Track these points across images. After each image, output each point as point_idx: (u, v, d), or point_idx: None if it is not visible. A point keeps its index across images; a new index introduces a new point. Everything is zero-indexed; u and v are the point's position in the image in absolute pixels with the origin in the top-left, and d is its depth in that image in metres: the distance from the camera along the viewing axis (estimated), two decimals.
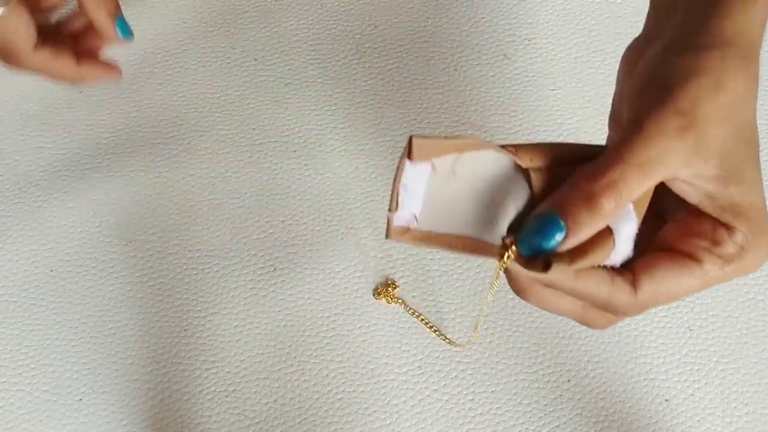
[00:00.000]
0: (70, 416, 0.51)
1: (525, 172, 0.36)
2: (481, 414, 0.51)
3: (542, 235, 0.35)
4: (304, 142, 0.61)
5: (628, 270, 0.37)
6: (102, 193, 0.59)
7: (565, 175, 0.35)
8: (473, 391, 0.51)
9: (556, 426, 0.50)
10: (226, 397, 0.51)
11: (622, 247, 0.36)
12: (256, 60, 0.65)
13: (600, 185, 0.34)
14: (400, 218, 0.35)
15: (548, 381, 0.52)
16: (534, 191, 0.36)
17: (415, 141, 0.34)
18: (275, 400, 0.51)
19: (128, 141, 0.61)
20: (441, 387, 0.51)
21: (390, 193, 0.35)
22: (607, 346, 0.53)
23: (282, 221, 0.57)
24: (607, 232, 0.36)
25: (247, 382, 0.52)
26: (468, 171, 0.35)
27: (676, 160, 0.34)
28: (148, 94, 0.63)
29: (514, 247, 0.35)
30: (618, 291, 0.36)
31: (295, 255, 0.56)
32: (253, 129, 0.61)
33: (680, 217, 0.37)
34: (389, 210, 0.35)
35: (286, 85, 0.64)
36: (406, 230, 0.35)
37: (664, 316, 0.54)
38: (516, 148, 0.36)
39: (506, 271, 0.36)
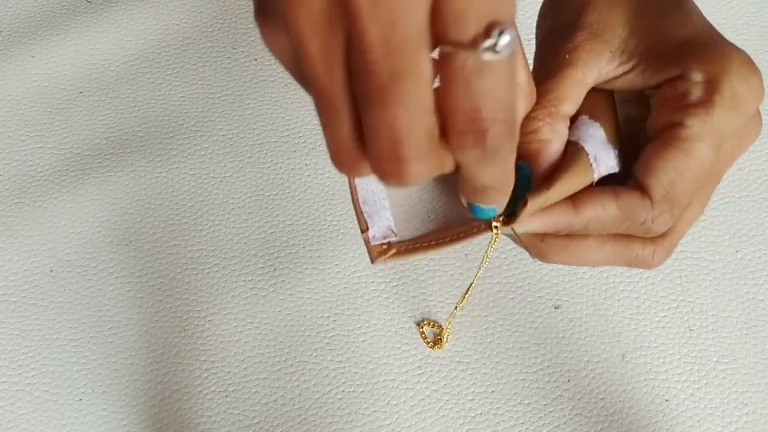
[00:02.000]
0: (70, 416, 0.51)
1: None
2: (481, 414, 0.51)
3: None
4: (304, 142, 0.61)
5: (629, 180, 0.34)
6: (102, 193, 0.59)
7: None
8: (473, 391, 0.51)
9: (556, 426, 0.50)
10: (226, 397, 0.51)
11: (601, 155, 0.34)
12: (256, 60, 0.65)
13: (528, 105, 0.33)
14: (377, 236, 0.34)
15: (548, 381, 0.52)
16: None
17: None
18: (275, 400, 0.51)
19: (128, 141, 0.61)
20: (441, 387, 0.51)
21: (355, 217, 0.33)
22: (607, 346, 0.53)
23: (282, 221, 0.57)
24: (573, 148, 0.34)
25: (247, 382, 0.52)
26: None
27: (584, 59, 0.34)
28: (148, 94, 0.63)
29: (496, 223, 0.33)
30: (626, 200, 0.34)
31: (295, 255, 0.56)
32: (253, 129, 0.61)
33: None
34: (362, 232, 0.33)
35: (286, 85, 0.64)
36: (388, 247, 0.34)
37: (664, 316, 0.54)
38: None
39: (522, 242, 0.34)
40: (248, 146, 0.61)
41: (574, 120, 0.35)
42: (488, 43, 0.25)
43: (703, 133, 0.33)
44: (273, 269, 0.55)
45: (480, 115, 0.25)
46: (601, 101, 0.36)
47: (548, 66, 0.35)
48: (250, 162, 0.60)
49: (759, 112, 0.36)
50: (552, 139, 0.34)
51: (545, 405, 0.51)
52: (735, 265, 0.56)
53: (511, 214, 0.33)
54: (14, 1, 0.69)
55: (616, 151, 0.35)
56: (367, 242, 0.33)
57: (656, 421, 0.50)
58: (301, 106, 0.62)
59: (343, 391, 0.51)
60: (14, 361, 0.53)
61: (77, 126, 0.62)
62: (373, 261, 0.34)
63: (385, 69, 0.23)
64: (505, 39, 0.26)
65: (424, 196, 0.34)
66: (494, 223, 0.33)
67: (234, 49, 0.65)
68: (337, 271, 0.55)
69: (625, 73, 0.35)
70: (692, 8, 0.36)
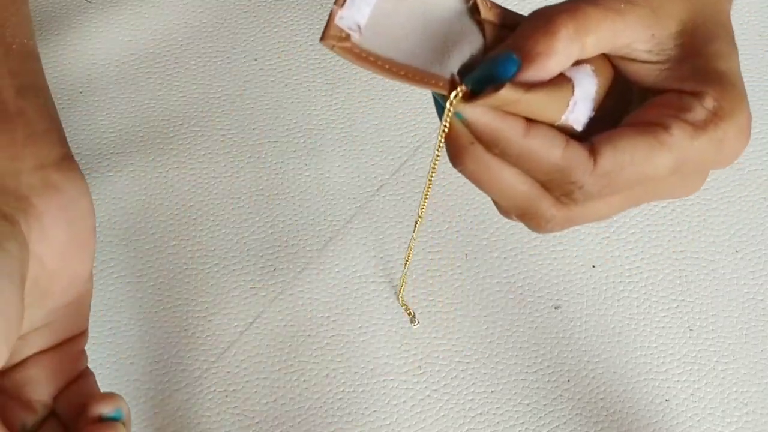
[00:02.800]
0: None
1: (479, 23, 0.34)
2: (481, 414, 0.51)
3: (494, 69, 0.32)
4: (304, 142, 0.61)
5: (587, 141, 0.34)
6: (102, 193, 0.59)
7: None
8: (473, 391, 0.51)
9: (556, 426, 0.50)
10: (226, 397, 0.51)
11: (581, 105, 0.34)
12: (256, 60, 0.65)
13: (557, 9, 0.33)
14: (344, 20, 0.32)
15: (548, 381, 0.52)
16: (487, 42, 0.34)
17: None
18: (275, 400, 0.51)
19: (128, 141, 0.61)
20: (441, 387, 0.51)
21: None
22: (607, 346, 0.53)
23: (282, 221, 0.57)
24: (565, 79, 0.33)
25: (247, 382, 0.52)
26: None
27: (632, 20, 0.33)
28: (148, 94, 0.63)
29: (462, 87, 0.31)
30: (573, 153, 0.33)
31: (295, 255, 0.56)
32: (253, 129, 0.61)
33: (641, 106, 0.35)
34: (335, 3, 0.31)
35: (286, 85, 0.64)
36: (346, 38, 0.32)
37: (664, 316, 0.54)
38: None
39: (452, 132, 0.33)
40: (248, 146, 0.61)
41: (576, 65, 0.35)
42: None
43: (677, 146, 0.33)
44: (273, 269, 0.55)
45: None
46: (606, 69, 0.35)
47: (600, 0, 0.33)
48: (250, 162, 0.60)
49: (704, 181, 0.36)
50: (557, 55, 0.32)
51: (545, 405, 0.51)
52: (735, 265, 0.56)
53: (475, 92, 0.32)
54: None
55: (592, 114, 0.34)
56: (331, 17, 0.31)
57: (656, 421, 0.50)
58: (301, 106, 0.63)
59: (343, 391, 0.51)
60: None
61: (77, 126, 0.62)
62: (323, 39, 0.31)
63: None
64: None
65: (410, 30, 0.32)
66: (460, 88, 0.31)
67: (234, 49, 0.65)
68: (337, 271, 0.55)
69: (645, 62, 0.35)
70: (735, 51, 0.36)
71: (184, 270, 0.55)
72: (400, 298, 0.53)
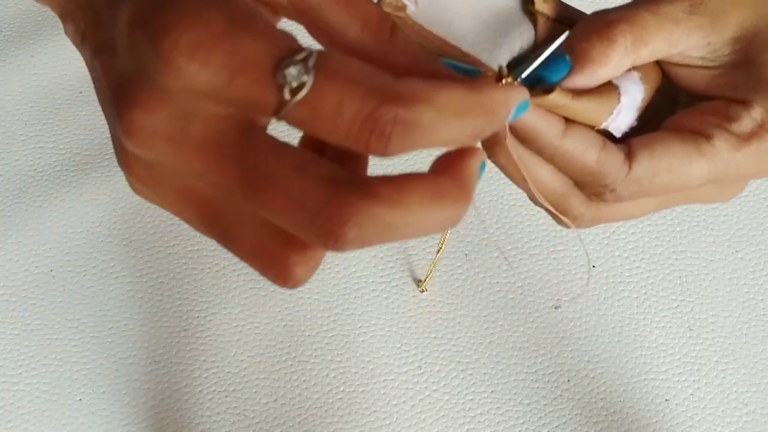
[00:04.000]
0: (70, 416, 0.51)
1: (532, 15, 0.34)
2: (481, 414, 0.51)
3: (544, 68, 0.31)
4: None
5: (624, 144, 0.33)
6: (102, 193, 0.59)
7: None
8: (473, 391, 0.51)
9: (556, 426, 0.50)
10: (226, 397, 0.51)
11: (624, 114, 0.33)
12: None
13: (617, 16, 0.32)
14: None
15: (548, 381, 0.52)
16: (538, 36, 0.34)
17: None
18: (275, 400, 0.51)
19: None
20: (441, 387, 0.51)
21: None
22: (607, 346, 0.53)
23: None
24: (612, 87, 0.33)
25: (247, 382, 0.52)
26: None
27: (689, 29, 0.33)
28: None
29: (509, 79, 0.31)
30: (609, 157, 0.32)
31: None
32: None
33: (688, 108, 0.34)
34: None
35: None
36: (401, 8, 0.31)
37: (664, 316, 0.54)
38: None
39: None
40: None
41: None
42: (285, 92, 0.25)
43: (717, 158, 0.32)
44: None
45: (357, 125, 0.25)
46: (654, 73, 0.35)
47: (660, 7, 0.33)
48: None
49: (743, 189, 0.36)
50: (610, 64, 0.32)
51: (545, 405, 0.51)
52: (735, 265, 0.56)
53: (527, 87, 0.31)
54: (14, 1, 0.68)
55: (634, 124, 0.34)
56: None
57: (656, 421, 0.50)
58: None
59: (343, 391, 0.51)
60: (14, 361, 0.53)
61: (77, 126, 0.62)
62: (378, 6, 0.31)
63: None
64: (291, 74, 0.24)
65: (464, 15, 0.32)
66: (506, 80, 0.31)
67: None
68: (337, 271, 0.55)
69: (698, 67, 0.34)
70: None
71: (184, 270, 0.55)
72: (431, 269, 0.53)
